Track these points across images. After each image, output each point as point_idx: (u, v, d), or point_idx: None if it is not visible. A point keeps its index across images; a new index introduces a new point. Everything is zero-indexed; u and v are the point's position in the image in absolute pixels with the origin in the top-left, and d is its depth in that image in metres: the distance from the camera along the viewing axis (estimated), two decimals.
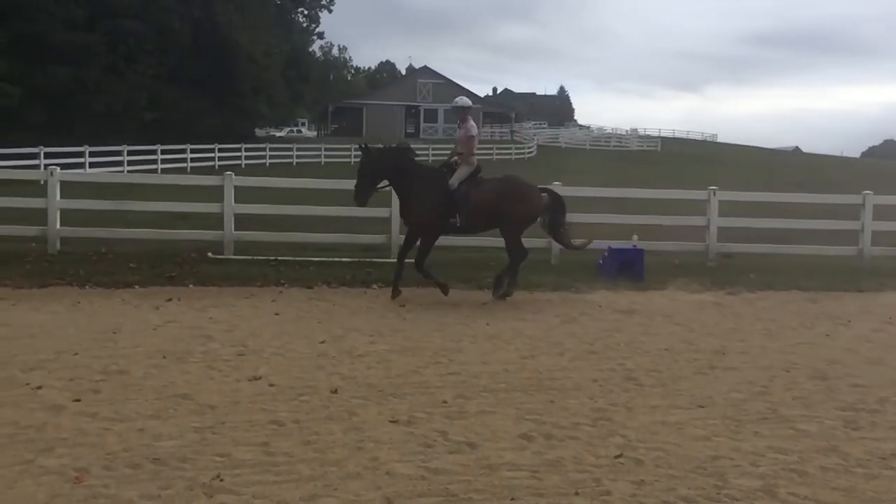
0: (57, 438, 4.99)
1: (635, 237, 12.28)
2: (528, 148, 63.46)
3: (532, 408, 5.88)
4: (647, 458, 4.97)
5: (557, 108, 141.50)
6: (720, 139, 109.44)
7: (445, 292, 10.01)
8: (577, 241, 10.99)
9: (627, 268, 11.76)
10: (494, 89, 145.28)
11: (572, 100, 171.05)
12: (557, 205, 10.52)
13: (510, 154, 59.45)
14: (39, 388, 6.00)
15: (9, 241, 12.68)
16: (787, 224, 14.50)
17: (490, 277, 11.11)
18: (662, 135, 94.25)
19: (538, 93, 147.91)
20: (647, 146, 79.62)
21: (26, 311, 8.75)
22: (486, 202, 9.92)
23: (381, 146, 10.35)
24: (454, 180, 9.90)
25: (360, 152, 10.01)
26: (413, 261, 10.07)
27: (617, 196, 15.40)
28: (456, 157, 10.19)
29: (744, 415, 5.86)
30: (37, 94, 37.77)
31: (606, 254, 12.10)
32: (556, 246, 13.05)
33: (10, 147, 28.79)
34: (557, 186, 13.20)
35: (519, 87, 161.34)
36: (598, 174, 34.70)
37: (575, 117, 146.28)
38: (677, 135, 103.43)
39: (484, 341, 7.95)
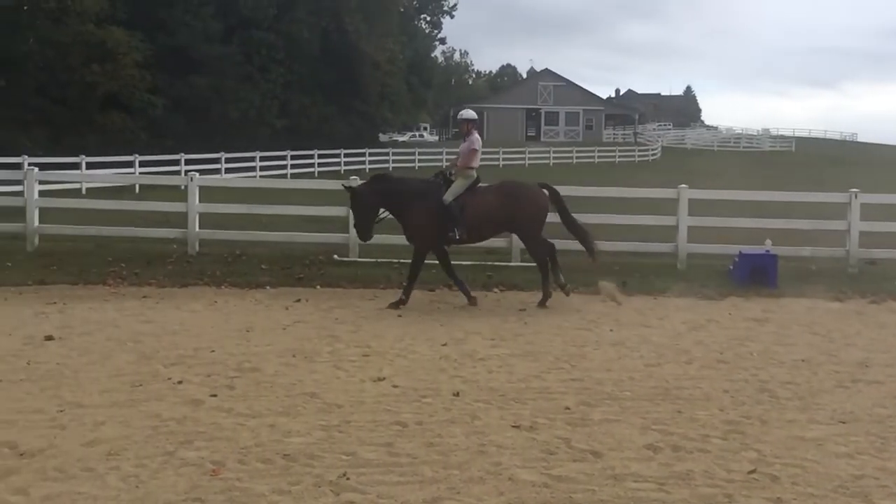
0: (195, 431, 5.24)
1: (768, 242, 11.73)
2: (652, 150, 61.94)
3: (658, 418, 5.71)
4: (784, 474, 4.72)
5: (683, 109, 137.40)
6: (860, 138, 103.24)
7: (397, 306, 9.59)
8: (594, 246, 10.40)
9: (760, 274, 11.25)
10: (617, 90, 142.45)
11: (699, 100, 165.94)
12: (556, 198, 10.23)
13: (633, 156, 58.26)
14: (180, 382, 6.34)
15: (153, 242, 13.50)
16: None
17: (614, 281, 10.91)
18: (797, 134, 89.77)
19: (663, 93, 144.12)
20: (781, 147, 76.12)
21: (168, 309, 9.27)
22: (489, 210, 9.72)
23: (364, 181, 10.23)
24: (448, 195, 9.71)
25: (347, 192, 9.90)
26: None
27: (747, 199, 14.74)
28: (453, 167, 10.04)
29: (890, 432, 5.48)
30: (179, 104, 40.06)
31: (737, 259, 11.63)
32: (682, 250, 12.67)
33: (154, 154, 30.74)
34: (683, 189, 12.83)
35: (643, 87, 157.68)
36: (727, 176, 33.43)
37: (702, 118, 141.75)
38: (813, 134, 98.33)
39: (608, 348, 7.79)
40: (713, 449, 5.13)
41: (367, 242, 10.27)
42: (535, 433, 5.34)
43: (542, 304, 9.77)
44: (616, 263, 12.35)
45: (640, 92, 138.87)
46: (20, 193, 13.77)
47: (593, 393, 6.27)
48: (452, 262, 10.34)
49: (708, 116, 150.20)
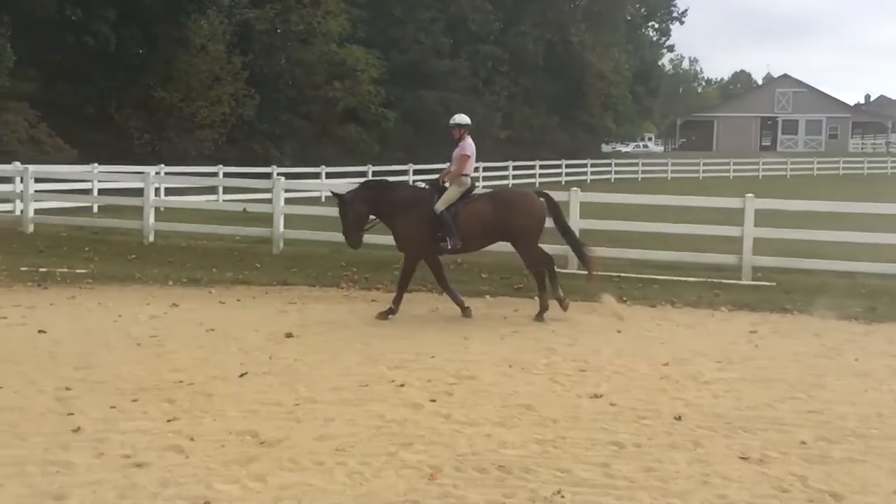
0: (415, 435, 5.41)
1: None
2: None
3: None
4: None
5: None
6: None
7: (383, 316, 9.27)
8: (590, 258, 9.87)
9: None
10: (867, 96, 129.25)
11: None
12: (554, 209, 9.65)
13: (885, 168, 52.98)
14: (402, 385, 6.58)
15: (381, 248, 14.16)
16: None
17: (860, 306, 9.98)
18: None
19: None
20: None
21: (399, 312, 9.67)
22: (479, 219, 9.24)
23: (355, 187, 9.94)
24: (441, 204, 9.23)
25: (336, 198, 9.66)
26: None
27: None
28: (445, 178, 9.58)
29: None
30: (409, 117, 42.18)
31: None
32: None
33: (385, 164, 32.59)
34: None
35: None
36: None
37: None
38: None
39: (851, 378, 7.07)
40: None
41: (355, 249, 10.05)
42: (765, 467, 4.95)
43: (538, 316, 9.33)
44: (862, 286, 11.25)
45: (894, 97, 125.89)
46: (270, 201, 15.10)
47: (834, 428, 5.71)
48: (674, 278, 9.90)
49: None
